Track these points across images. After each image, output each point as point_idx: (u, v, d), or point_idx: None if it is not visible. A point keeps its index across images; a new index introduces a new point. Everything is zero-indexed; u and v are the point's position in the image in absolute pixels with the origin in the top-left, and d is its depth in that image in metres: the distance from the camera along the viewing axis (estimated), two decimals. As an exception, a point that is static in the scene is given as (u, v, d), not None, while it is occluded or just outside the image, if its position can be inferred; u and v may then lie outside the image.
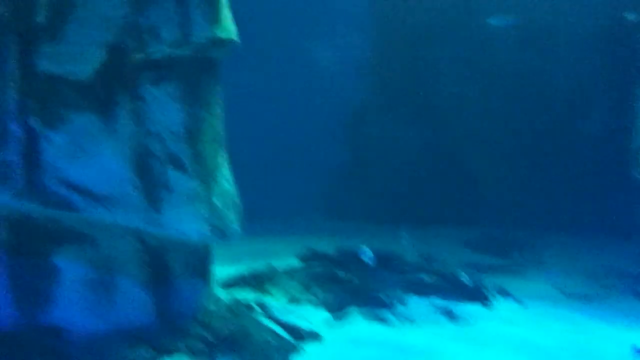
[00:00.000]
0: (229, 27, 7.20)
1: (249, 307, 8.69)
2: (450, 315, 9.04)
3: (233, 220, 7.47)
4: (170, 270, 7.30)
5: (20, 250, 6.83)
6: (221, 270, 9.12)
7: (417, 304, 9.38)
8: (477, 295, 9.64)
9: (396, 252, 10.70)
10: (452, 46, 14.32)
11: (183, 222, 6.91)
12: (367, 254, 9.37)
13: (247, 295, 9.43)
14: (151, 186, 6.78)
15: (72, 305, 6.91)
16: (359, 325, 8.69)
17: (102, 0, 6.53)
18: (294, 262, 10.86)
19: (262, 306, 8.87)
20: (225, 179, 7.54)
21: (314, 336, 8.23)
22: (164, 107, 6.81)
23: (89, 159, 6.62)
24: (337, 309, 8.95)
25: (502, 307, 9.47)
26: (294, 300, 9.41)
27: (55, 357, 6.56)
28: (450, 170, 14.56)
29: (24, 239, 6.84)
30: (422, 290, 9.82)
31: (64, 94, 6.52)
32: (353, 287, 9.48)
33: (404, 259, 10.64)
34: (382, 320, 8.77)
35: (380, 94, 15.10)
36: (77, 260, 6.91)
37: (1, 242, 6.82)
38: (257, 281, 9.78)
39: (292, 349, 7.79)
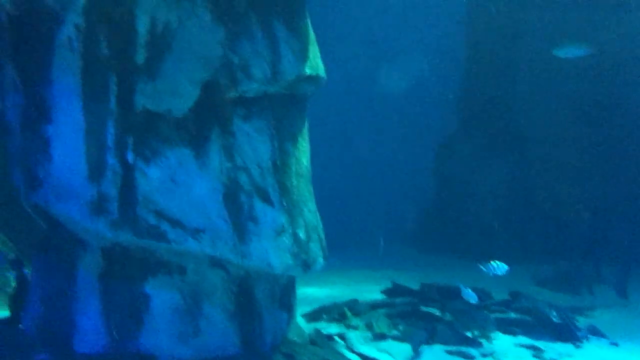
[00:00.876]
0: (317, 63, 7.33)
1: (332, 339, 8.70)
2: (539, 354, 8.77)
3: (317, 252, 7.53)
4: (255, 300, 7.39)
5: (113, 277, 7.04)
6: (305, 302, 9.20)
7: (503, 342, 9.17)
8: (568, 334, 9.32)
9: (483, 289, 10.48)
10: (537, 78, 14.06)
11: (269, 254, 7.01)
12: (469, 294, 9.16)
13: (330, 327, 9.46)
14: (239, 218, 6.90)
15: (161, 332, 7.04)
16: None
17: (197, 39, 6.76)
18: (378, 296, 10.83)
19: (345, 339, 8.86)
20: (311, 211, 7.62)
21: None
22: (253, 142, 6.97)
23: (181, 192, 6.80)
24: (420, 345, 8.84)
25: (594, 347, 9.12)
26: (377, 334, 9.36)
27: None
28: (536, 203, 14.20)
29: (117, 267, 7.05)
30: (509, 328, 9.59)
31: (160, 129, 6.76)
32: (438, 323, 9.36)
33: (490, 295, 10.43)
34: (467, 357, 8.61)
35: (468, 127, 14.96)
36: (166, 289, 7.06)
37: (96, 270, 7.07)
38: (340, 314, 9.78)
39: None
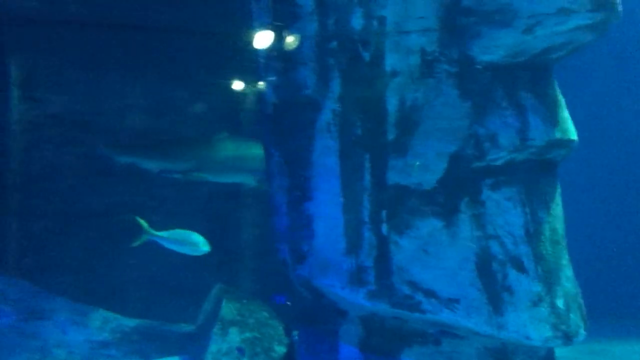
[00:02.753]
0: (568, 127, 7.15)
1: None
2: None
3: (577, 323, 7.17)
4: (513, 371, 7.22)
5: (372, 347, 7.31)
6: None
7: None
8: None
9: None
10: None
11: (526, 326, 6.81)
12: None
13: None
14: (493, 289, 6.84)
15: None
16: None
17: (443, 114, 6.99)
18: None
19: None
20: (568, 279, 7.30)
21: None
22: (504, 211, 6.94)
23: (433, 262, 6.93)
24: None
25: None
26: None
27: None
28: None
29: (375, 337, 7.33)
30: None
31: (410, 202, 7.01)
32: None
33: None
34: None
35: None
36: (421, 359, 7.18)
37: (355, 339, 7.41)
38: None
39: None
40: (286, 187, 7.57)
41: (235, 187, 10.15)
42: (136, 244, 8.58)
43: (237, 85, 10.39)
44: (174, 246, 8.92)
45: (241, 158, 9.28)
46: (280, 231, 7.70)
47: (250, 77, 9.72)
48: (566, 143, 7.15)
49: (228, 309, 11.66)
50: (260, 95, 7.80)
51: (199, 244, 8.76)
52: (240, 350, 9.83)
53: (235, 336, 11.51)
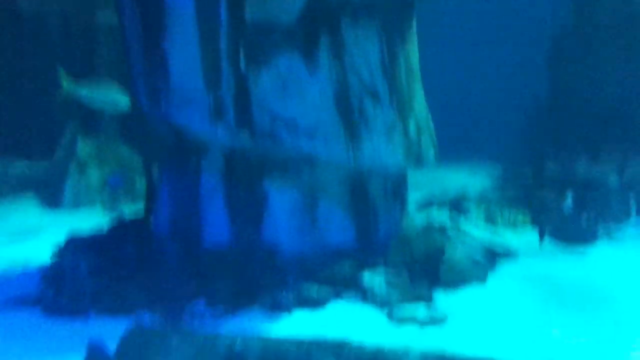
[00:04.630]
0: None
1: (443, 228, 8.86)
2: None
3: (428, 146, 7.63)
4: (369, 194, 7.62)
5: (234, 178, 7.42)
6: (416, 191, 9.33)
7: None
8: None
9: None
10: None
11: (380, 152, 7.17)
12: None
13: (441, 214, 9.62)
14: (350, 119, 7.06)
15: (281, 227, 7.41)
16: (557, 247, 8.61)
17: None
18: (488, 183, 10.83)
19: (457, 224, 9.01)
20: (420, 107, 7.65)
21: (509, 253, 8.29)
22: (362, 45, 6.99)
23: (294, 96, 6.98)
24: (532, 231, 8.88)
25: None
26: (488, 218, 9.45)
27: (270, 271, 7.15)
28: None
29: (237, 169, 7.41)
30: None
31: (270, 38, 6.86)
32: (550, 210, 9.33)
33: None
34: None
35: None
36: (283, 187, 7.38)
37: (217, 171, 7.48)
38: (451, 202, 9.91)
39: (488, 264, 7.90)
40: (139, 21, 7.17)
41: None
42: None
43: None
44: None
45: None
46: (134, 68, 7.40)
47: None
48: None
49: (85, 145, 11.40)
50: None
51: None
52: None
53: (94, 171, 11.37)
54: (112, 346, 5.30)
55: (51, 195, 11.33)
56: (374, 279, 7.02)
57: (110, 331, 5.73)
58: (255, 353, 5.17)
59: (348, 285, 7.05)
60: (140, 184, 10.16)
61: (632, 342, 5.84)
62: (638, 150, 10.83)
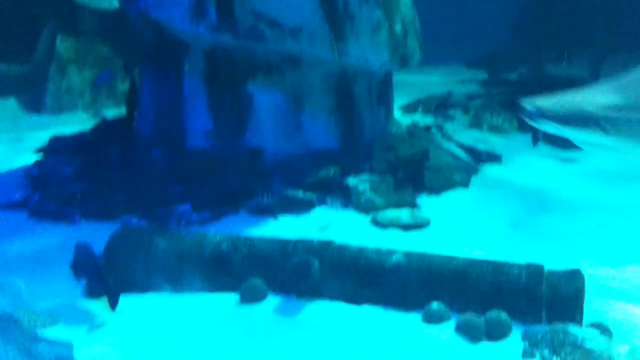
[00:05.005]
0: None
1: (429, 130, 8.88)
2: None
3: (414, 47, 7.51)
4: (354, 96, 7.55)
5: (217, 79, 7.30)
6: (401, 97, 9.28)
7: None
8: None
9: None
10: None
11: (366, 51, 7.05)
12: None
13: (426, 118, 9.61)
14: (335, 17, 6.88)
15: (265, 128, 7.34)
16: (540, 149, 8.64)
17: None
18: (472, 88, 10.78)
19: (441, 129, 9.03)
20: (407, 6, 7.48)
21: (493, 158, 8.34)
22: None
23: (277, -8, 6.77)
24: (517, 133, 8.90)
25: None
26: (473, 123, 9.46)
27: (253, 174, 7.14)
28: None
29: (220, 70, 7.28)
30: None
31: None
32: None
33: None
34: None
35: None
36: (267, 88, 7.28)
37: (200, 72, 7.34)
38: (436, 106, 9.88)
39: (472, 169, 7.95)
40: None
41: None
42: None
43: None
44: None
45: None
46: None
47: None
48: None
49: (64, 47, 11.13)
50: None
51: None
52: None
53: (74, 74, 11.15)
54: (98, 249, 5.34)
55: (32, 99, 11.16)
56: (359, 184, 7.04)
57: (97, 234, 5.75)
58: (242, 252, 5.22)
59: (332, 191, 7.07)
60: (122, 86, 10.00)
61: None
62: (613, 51, 10.78)
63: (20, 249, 6.08)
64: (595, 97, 3.61)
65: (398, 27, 7.26)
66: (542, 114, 3.56)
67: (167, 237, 5.39)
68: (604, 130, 3.47)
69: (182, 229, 6.35)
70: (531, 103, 3.64)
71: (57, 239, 6.27)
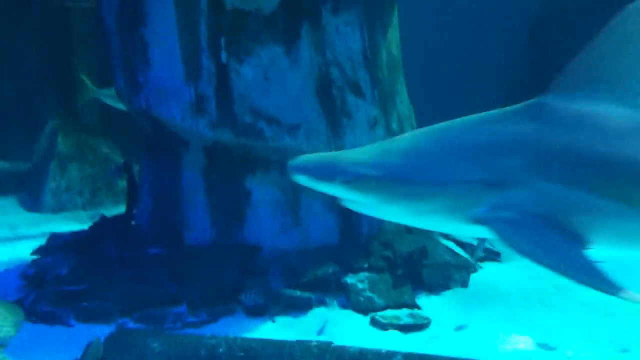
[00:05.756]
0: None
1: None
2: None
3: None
4: (352, 192, 7.52)
5: (215, 174, 7.30)
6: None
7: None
8: None
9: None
10: None
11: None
12: None
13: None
14: (333, 113, 6.99)
15: (263, 224, 7.31)
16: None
17: None
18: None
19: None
20: (403, 103, 7.60)
21: (492, 255, 8.23)
22: (343, 36, 6.93)
23: (275, 89, 6.88)
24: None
25: None
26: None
27: (251, 270, 7.04)
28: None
29: (219, 165, 7.31)
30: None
31: (250, 28, 6.78)
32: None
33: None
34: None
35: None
36: (266, 184, 7.27)
37: (199, 168, 7.38)
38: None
39: (472, 268, 7.84)
40: (116, 10, 7.06)
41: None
42: None
43: None
44: None
45: None
46: (114, 60, 7.28)
47: None
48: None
49: (65, 145, 11.25)
50: None
51: None
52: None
53: (75, 172, 11.22)
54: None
55: (32, 197, 11.18)
56: (357, 283, 6.93)
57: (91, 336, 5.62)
58: (238, 355, 5.09)
59: (330, 290, 6.95)
60: (122, 184, 10.03)
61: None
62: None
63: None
64: (354, 153, 3.64)
65: (395, 124, 7.35)
66: (298, 169, 3.57)
67: (161, 339, 5.26)
68: (347, 184, 3.46)
69: (178, 330, 6.21)
70: (296, 159, 3.66)
71: (54, 340, 6.11)
